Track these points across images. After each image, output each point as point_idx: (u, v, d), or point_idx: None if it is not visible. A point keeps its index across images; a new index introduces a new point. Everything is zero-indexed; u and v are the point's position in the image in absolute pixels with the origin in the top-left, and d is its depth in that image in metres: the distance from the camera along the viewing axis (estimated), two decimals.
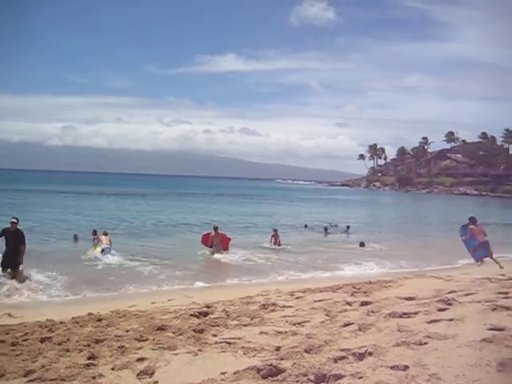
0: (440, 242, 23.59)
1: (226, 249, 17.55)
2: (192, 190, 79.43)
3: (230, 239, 18.02)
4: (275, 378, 3.91)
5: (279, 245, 19.81)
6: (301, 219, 32.76)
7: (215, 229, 17.84)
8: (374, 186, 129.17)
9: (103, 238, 16.88)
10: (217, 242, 17.46)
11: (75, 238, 19.69)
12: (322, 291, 8.66)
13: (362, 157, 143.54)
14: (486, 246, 14.16)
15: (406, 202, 72.12)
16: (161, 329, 5.92)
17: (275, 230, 20.61)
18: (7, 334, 6.13)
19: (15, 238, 12.01)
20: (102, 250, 16.21)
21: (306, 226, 28.66)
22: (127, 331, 5.92)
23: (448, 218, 36.14)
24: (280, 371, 3.97)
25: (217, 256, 17.03)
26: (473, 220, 14.54)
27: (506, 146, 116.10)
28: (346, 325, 5.51)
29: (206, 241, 17.70)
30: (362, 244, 20.86)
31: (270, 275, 14.21)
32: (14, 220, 12.24)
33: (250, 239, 22.22)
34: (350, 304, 6.98)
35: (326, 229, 26.24)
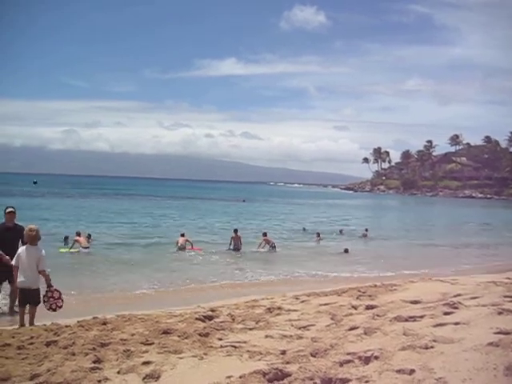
0: None
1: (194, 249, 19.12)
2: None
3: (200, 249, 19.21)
4: (281, 382, 3.90)
5: (238, 249, 19.34)
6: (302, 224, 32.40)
7: (182, 235, 19.64)
8: (379, 189, 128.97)
9: (81, 239, 17.13)
10: (182, 244, 18.98)
11: (65, 240, 18.84)
12: (327, 295, 8.65)
13: (366, 160, 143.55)
14: None
15: (413, 206, 71.74)
16: (166, 332, 5.91)
17: (235, 231, 19.91)
18: (13, 337, 6.12)
19: (14, 237, 8.41)
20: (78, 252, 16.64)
21: (304, 229, 28.31)
22: (133, 335, 5.92)
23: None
24: (286, 375, 3.97)
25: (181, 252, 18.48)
26: None
27: (510, 149, 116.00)
28: (351, 328, 5.49)
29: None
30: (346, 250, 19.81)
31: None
32: (11, 209, 8.93)
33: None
34: (355, 308, 6.96)
35: (318, 234, 24.27)
